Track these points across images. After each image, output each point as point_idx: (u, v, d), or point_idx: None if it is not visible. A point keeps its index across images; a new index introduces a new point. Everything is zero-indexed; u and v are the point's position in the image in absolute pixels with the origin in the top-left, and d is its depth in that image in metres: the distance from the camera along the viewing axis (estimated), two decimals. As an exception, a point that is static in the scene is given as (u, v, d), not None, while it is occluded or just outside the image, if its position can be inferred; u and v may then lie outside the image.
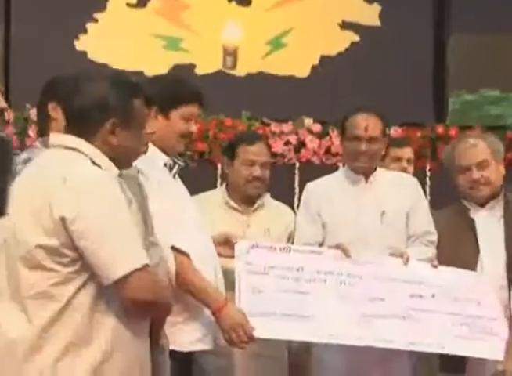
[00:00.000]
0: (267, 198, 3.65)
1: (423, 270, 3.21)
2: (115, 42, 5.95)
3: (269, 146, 3.86)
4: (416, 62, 6.11)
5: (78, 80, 2.35)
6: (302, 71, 6.13)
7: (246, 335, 2.85)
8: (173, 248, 2.75)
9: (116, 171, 2.28)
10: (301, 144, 5.87)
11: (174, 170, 2.96)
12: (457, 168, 3.36)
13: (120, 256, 2.15)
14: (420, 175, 4.92)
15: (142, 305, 2.18)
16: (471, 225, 3.32)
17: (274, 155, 5.68)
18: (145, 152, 2.60)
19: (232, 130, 5.63)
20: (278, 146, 5.77)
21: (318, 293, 3.06)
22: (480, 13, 6.06)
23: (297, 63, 6.12)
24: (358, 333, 3.02)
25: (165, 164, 2.94)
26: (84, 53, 5.90)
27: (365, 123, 3.40)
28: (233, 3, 6.14)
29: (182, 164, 2.99)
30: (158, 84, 2.95)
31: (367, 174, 3.45)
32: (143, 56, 5.86)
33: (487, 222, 3.33)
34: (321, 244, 3.39)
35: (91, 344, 2.16)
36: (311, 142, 5.85)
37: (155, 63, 5.72)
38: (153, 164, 2.83)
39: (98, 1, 5.99)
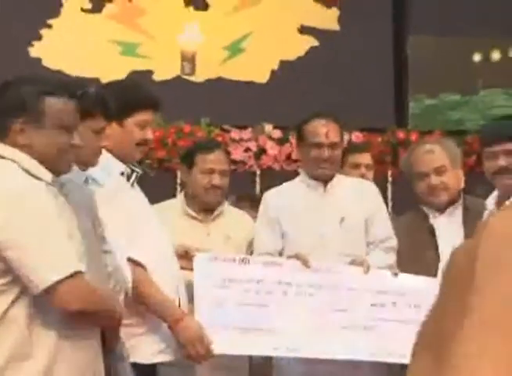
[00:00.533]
0: (226, 206, 3.61)
1: (383, 278, 3.18)
2: (70, 48, 5.88)
3: (228, 154, 3.83)
4: (376, 66, 6.14)
5: (9, 85, 2.32)
6: (261, 77, 6.15)
7: (204, 350, 2.82)
8: (129, 260, 2.70)
9: (47, 176, 2.23)
10: (262, 151, 5.87)
11: (132, 178, 2.91)
12: (415, 174, 3.34)
13: (47, 265, 2.13)
14: (381, 180, 4.94)
15: (75, 314, 2.15)
16: (431, 231, 3.30)
17: (234, 162, 5.66)
18: (92, 164, 2.57)
19: (192, 137, 5.60)
20: (238, 153, 5.76)
21: (278, 305, 3.03)
22: (439, 17, 6.11)
23: (256, 68, 6.13)
24: (317, 346, 2.99)
25: (122, 173, 2.88)
26: (38, 60, 5.83)
27: (326, 129, 3.37)
28: (191, 8, 6.11)
29: (139, 171, 2.94)
30: (110, 91, 2.85)
31: (326, 181, 3.43)
32: (99, 63, 5.82)
33: (447, 227, 3.30)
34: (281, 253, 3.36)
35: (32, 357, 2.12)
36: (272, 149, 5.85)
37: (111, 70, 5.66)
38: (109, 172, 2.78)
39: (52, 7, 5.92)
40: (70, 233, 2.20)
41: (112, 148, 2.79)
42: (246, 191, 5.63)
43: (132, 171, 2.91)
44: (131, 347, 2.67)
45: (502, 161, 3.05)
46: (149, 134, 2.92)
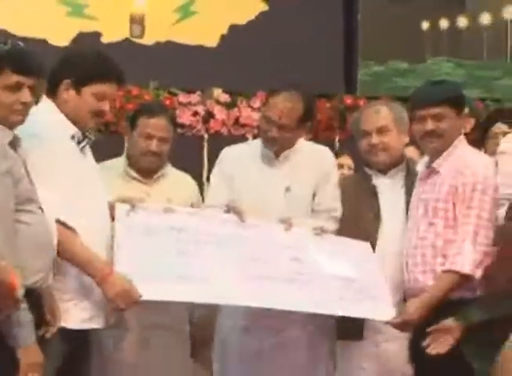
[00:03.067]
0: (168, 168, 3.52)
1: (305, 236, 3.19)
2: (17, 8, 5.68)
3: (174, 120, 3.66)
4: (327, 32, 6.12)
5: None
6: (211, 40, 6.12)
7: (131, 302, 2.77)
8: (58, 222, 2.66)
9: None
10: (210, 115, 5.76)
11: (83, 144, 2.86)
12: (359, 132, 3.35)
13: None
14: (328, 145, 4.92)
15: None
16: (373, 192, 3.29)
17: (182, 126, 5.57)
18: (11, 122, 2.52)
19: (139, 100, 5.41)
20: (186, 117, 5.64)
21: (200, 254, 2.99)
22: None
23: (206, 32, 6.09)
24: (241, 294, 2.98)
25: (73, 137, 2.83)
26: (-17, 20, 5.70)
27: (282, 108, 3.27)
28: None
29: (92, 138, 2.89)
30: (76, 57, 2.88)
31: (279, 151, 3.39)
32: (46, 24, 5.65)
33: (389, 189, 3.30)
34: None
35: None
36: (220, 113, 5.74)
37: (58, 31, 5.53)
38: (58, 133, 2.75)
39: None
40: None
41: (67, 112, 2.80)
42: (193, 156, 5.65)
43: (84, 137, 2.86)
44: (62, 312, 2.67)
45: (429, 125, 3.06)
46: (106, 106, 2.87)
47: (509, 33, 6.20)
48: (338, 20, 6.22)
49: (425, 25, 6.25)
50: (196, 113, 5.72)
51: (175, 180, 3.58)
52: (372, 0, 6.15)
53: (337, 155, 4.19)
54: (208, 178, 4.12)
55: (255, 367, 3.32)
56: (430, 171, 3.08)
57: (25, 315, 2.43)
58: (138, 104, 5.24)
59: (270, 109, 3.31)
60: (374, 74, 6.12)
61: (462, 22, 6.14)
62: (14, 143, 2.55)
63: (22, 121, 2.58)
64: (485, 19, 6.08)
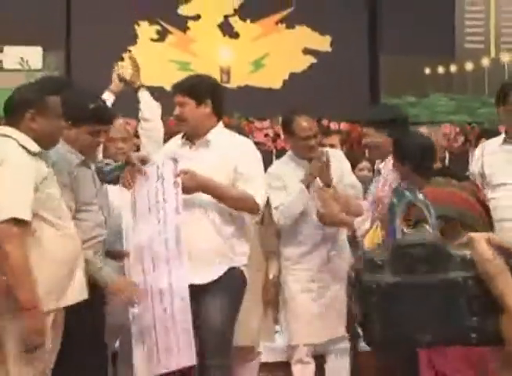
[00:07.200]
0: None
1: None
2: (143, 66, 5.98)
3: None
4: (357, 76, 6.88)
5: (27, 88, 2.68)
6: (277, 84, 6.90)
7: None
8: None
9: (36, 148, 2.52)
10: (277, 136, 6.53)
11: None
12: None
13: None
14: (361, 158, 5.59)
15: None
16: None
17: (257, 144, 5.80)
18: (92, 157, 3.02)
19: (227, 127, 6.11)
20: (259, 137, 6.43)
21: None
22: (401, 42, 6.91)
23: (273, 78, 6.84)
24: None
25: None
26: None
27: (308, 123, 3.80)
28: (227, 36, 6.97)
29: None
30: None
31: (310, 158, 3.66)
32: (163, 76, 6.55)
33: None
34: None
35: None
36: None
37: (172, 81, 6.34)
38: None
39: (130, 38, 6.81)
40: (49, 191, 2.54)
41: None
42: (264, 166, 6.67)
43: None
44: None
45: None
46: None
47: (486, 75, 6.86)
48: (365, 68, 6.94)
49: (427, 70, 6.78)
50: (267, 135, 6.56)
51: None
52: (388, 53, 6.95)
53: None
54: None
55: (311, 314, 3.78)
56: None
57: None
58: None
59: (302, 129, 3.71)
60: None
61: (453, 68, 6.67)
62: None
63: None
64: (469, 66, 6.67)
